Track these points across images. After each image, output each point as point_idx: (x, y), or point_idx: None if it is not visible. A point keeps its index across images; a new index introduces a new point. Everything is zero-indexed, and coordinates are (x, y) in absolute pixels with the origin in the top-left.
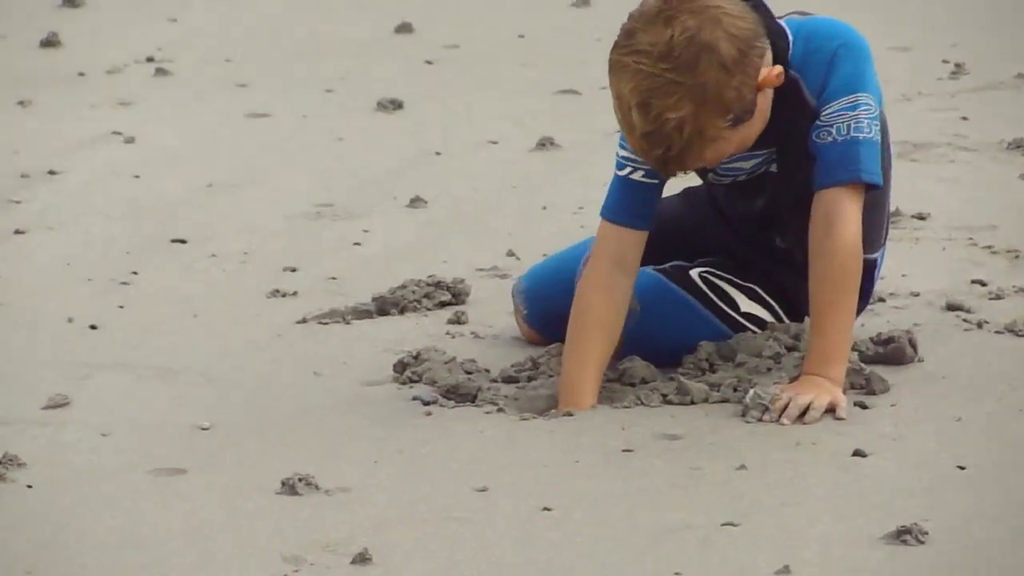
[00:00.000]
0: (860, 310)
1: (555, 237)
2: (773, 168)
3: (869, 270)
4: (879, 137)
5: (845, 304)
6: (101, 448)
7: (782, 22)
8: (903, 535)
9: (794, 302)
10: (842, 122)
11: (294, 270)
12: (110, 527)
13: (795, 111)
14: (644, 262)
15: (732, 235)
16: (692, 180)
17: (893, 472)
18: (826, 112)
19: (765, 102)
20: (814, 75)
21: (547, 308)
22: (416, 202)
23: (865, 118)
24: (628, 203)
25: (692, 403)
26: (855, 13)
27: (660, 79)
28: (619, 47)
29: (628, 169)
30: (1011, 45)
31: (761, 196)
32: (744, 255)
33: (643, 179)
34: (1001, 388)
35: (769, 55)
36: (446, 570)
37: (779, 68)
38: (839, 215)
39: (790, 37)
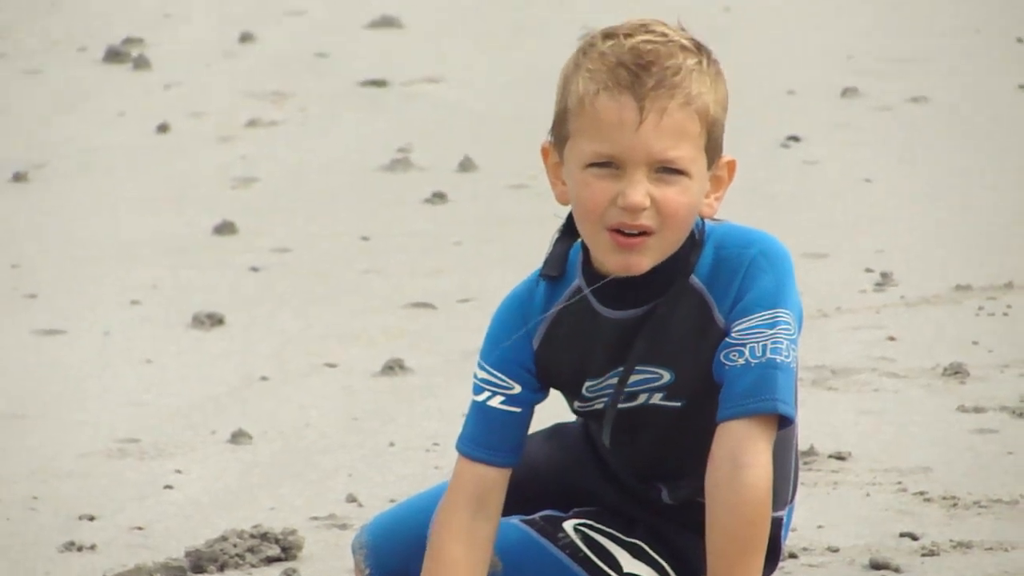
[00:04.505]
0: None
1: (405, 480)
2: (656, 400)
3: (774, 531)
4: (796, 365)
5: (752, 565)
6: None
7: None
8: None
9: (688, 561)
10: (757, 342)
11: (92, 519)
12: None
13: (697, 329)
14: (509, 511)
15: (611, 485)
16: (564, 410)
17: None
18: (738, 328)
19: (712, 203)
20: (724, 287)
21: (395, 567)
22: (239, 437)
23: (784, 339)
24: (487, 434)
25: None
26: (762, 214)
27: (678, 44)
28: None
29: (486, 394)
30: (947, 251)
31: (639, 435)
32: (627, 509)
33: (503, 406)
34: None
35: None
36: None
37: (732, 159)
38: (748, 454)
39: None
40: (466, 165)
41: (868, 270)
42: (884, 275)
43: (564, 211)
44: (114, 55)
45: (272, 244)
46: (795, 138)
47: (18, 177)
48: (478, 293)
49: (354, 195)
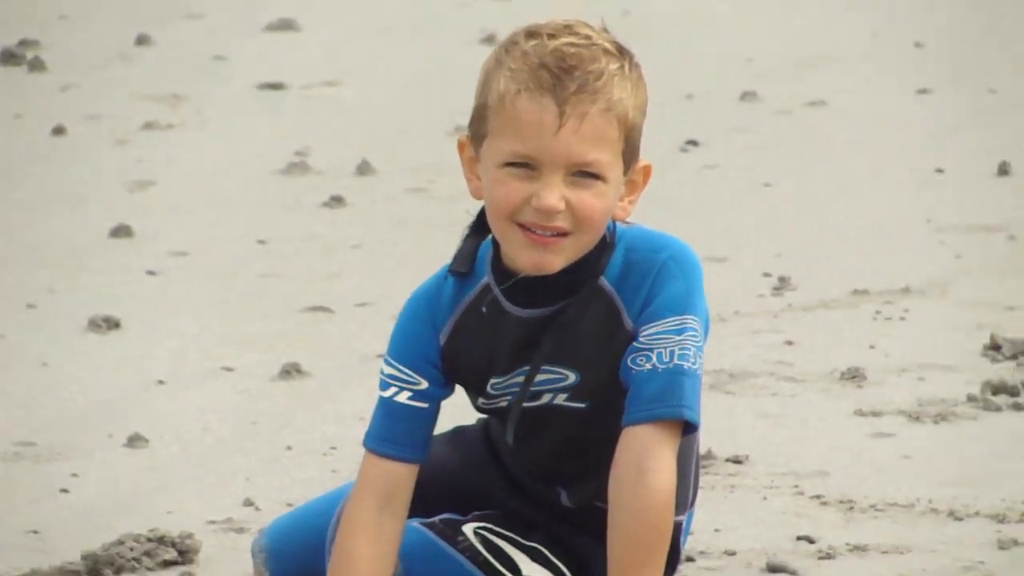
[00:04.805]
0: None
1: (303, 484)
2: (560, 400)
3: (674, 535)
4: (701, 372)
5: (653, 569)
6: None
7: None
8: None
9: (587, 565)
10: (664, 347)
11: None
12: None
13: (605, 332)
14: (410, 513)
15: (510, 488)
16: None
17: None
18: (646, 333)
19: (626, 206)
20: (634, 291)
21: (294, 570)
22: (135, 441)
23: (691, 345)
24: (393, 429)
25: None
26: (661, 217)
27: (601, 47)
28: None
29: (393, 390)
30: (844, 256)
31: (541, 436)
32: (526, 513)
33: (409, 402)
34: None
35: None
36: None
37: (648, 163)
38: (653, 459)
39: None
40: (364, 168)
41: (766, 274)
42: (782, 279)
43: (476, 207)
44: (9, 57)
45: (169, 248)
46: (694, 142)
47: None
48: (376, 297)
49: (251, 198)
